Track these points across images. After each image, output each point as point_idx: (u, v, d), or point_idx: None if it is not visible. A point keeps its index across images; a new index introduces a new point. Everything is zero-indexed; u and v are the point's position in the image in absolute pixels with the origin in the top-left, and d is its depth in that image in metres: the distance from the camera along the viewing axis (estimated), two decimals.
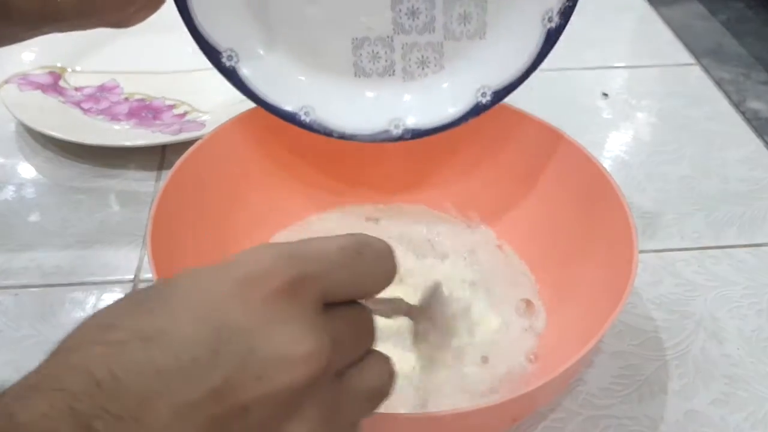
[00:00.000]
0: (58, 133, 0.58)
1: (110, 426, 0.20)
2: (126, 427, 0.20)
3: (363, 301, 0.27)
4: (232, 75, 0.44)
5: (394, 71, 0.46)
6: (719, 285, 0.50)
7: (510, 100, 0.45)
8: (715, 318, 0.47)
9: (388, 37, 0.45)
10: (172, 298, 0.23)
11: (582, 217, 0.45)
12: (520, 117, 0.48)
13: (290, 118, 0.45)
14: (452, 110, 0.45)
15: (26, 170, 0.59)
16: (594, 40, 0.76)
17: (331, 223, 0.51)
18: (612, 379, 0.43)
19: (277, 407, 0.22)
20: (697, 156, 0.61)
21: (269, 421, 0.23)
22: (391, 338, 0.35)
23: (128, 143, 0.58)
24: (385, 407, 0.27)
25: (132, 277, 0.49)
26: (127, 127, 0.61)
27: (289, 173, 0.50)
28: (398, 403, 0.38)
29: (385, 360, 0.27)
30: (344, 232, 0.26)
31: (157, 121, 0.61)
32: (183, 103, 0.64)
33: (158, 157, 0.59)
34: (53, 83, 0.64)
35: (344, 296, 0.26)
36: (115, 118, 0.62)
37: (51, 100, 0.62)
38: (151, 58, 0.68)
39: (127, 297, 0.24)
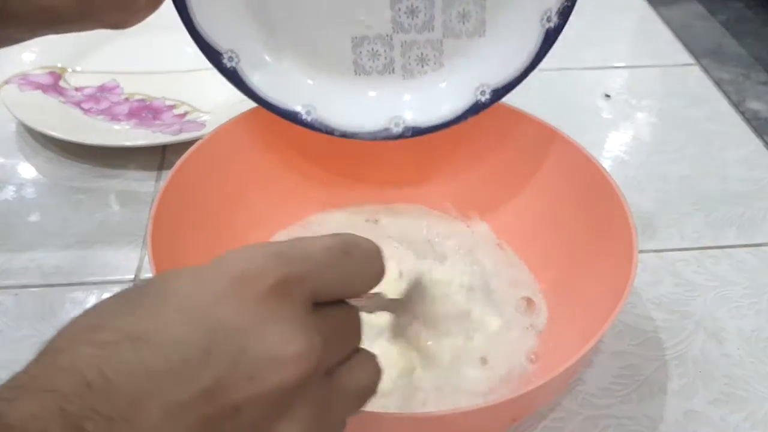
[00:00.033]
0: (59, 133, 0.58)
1: (101, 427, 0.20)
2: (116, 428, 0.20)
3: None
4: (233, 76, 0.44)
5: (393, 69, 0.46)
6: (719, 285, 0.50)
7: (509, 99, 0.45)
8: (714, 318, 0.47)
9: (387, 35, 0.45)
10: (161, 298, 0.23)
11: (582, 217, 0.45)
12: (520, 117, 0.48)
13: (292, 117, 0.45)
14: (452, 108, 0.45)
15: (26, 170, 0.59)
16: (594, 40, 0.76)
17: (330, 223, 0.51)
18: (612, 378, 0.43)
19: (269, 407, 0.22)
20: (696, 156, 0.61)
21: (261, 420, 0.23)
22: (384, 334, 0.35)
23: (128, 143, 0.58)
24: (385, 407, 0.27)
25: (132, 277, 0.49)
26: (128, 127, 0.61)
27: (289, 173, 0.50)
28: (398, 403, 0.38)
29: (373, 358, 0.27)
30: (344, 232, 0.26)
31: (158, 121, 0.61)
32: (183, 103, 0.64)
33: (158, 157, 0.59)
34: (53, 83, 0.65)
35: (332, 296, 0.26)
36: (115, 118, 0.62)
37: (51, 101, 0.62)
38: (151, 58, 0.68)
39: (114, 297, 0.23)
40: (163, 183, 0.42)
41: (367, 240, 0.27)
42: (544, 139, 0.47)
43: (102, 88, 0.65)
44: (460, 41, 0.45)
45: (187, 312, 0.22)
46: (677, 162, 0.61)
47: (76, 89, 0.65)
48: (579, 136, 0.46)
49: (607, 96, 0.68)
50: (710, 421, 0.41)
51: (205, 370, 0.21)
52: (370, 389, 0.27)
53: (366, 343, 0.27)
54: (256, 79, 0.44)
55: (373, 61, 0.46)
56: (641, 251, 0.39)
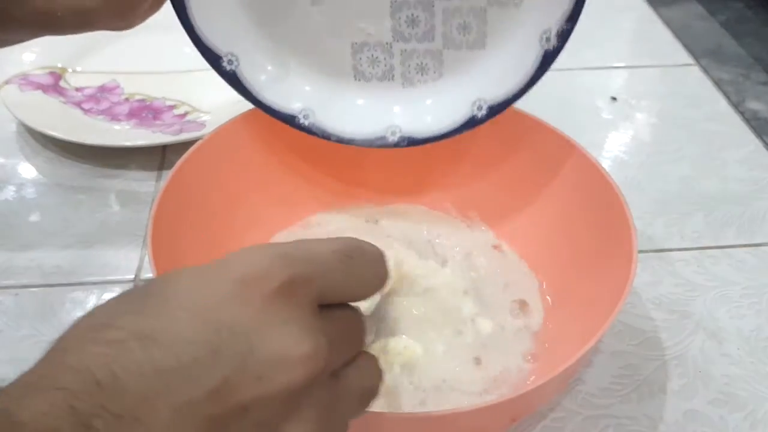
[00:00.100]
0: (59, 133, 0.58)
1: (110, 425, 0.20)
2: (126, 426, 0.20)
3: None
4: (232, 79, 0.44)
5: (393, 76, 0.46)
6: (719, 285, 0.50)
7: None
8: (714, 318, 0.47)
9: (387, 43, 0.45)
10: (168, 297, 0.23)
11: (582, 218, 0.45)
12: (520, 117, 0.48)
13: (289, 120, 0.45)
14: (447, 122, 0.45)
15: (27, 170, 0.59)
16: (594, 40, 0.76)
17: (331, 223, 0.51)
18: (611, 378, 0.43)
19: (277, 407, 0.23)
20: (696, 156, 0.62)
21: (268, 421, 0.23)
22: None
23: (129, 143, 0.58)
24: (385, 407, 0.27)
25: (132, 277, 0.49)
26: (128, 127, 0.61)
27: (290, 173, 0.50)
28: (398, 402, 0.38)
29: (375, 360, 0.28)
30: (344, 233, 0.27)
31: (158, 122, 0.61)
32: (183, 103, 0.64)
33: (159, 157, 0.59)
34: (54, 83, 0.65)
35: (336, 298, 0.26)
36: (115, 118, 0.62)
37: (52, 101, 0.62)
38: (151, 59, 0.68)
39: (118, 297, 0.24)
40: (163, 183, 0.42)
41: (371, 244, 0.27)
42: (544, 139, 0.47)
43: (102, 89, 0.65)
44: (461, 53, 0.45)
45: (194, 312, 0.22)
46: (677, 162, 0.61)
47: (77, 89, 0.65)
48: (578, 136, 0.46)
49: (614, 99, 0.68)
50: (710, 420, 0.41)
51: (214, 370, 0.21)
52: (373, 391, 0.27)
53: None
54: (255, 82, 0.45)
55: (373, 68, 0.46)
56: (641, 251, 0.39)
